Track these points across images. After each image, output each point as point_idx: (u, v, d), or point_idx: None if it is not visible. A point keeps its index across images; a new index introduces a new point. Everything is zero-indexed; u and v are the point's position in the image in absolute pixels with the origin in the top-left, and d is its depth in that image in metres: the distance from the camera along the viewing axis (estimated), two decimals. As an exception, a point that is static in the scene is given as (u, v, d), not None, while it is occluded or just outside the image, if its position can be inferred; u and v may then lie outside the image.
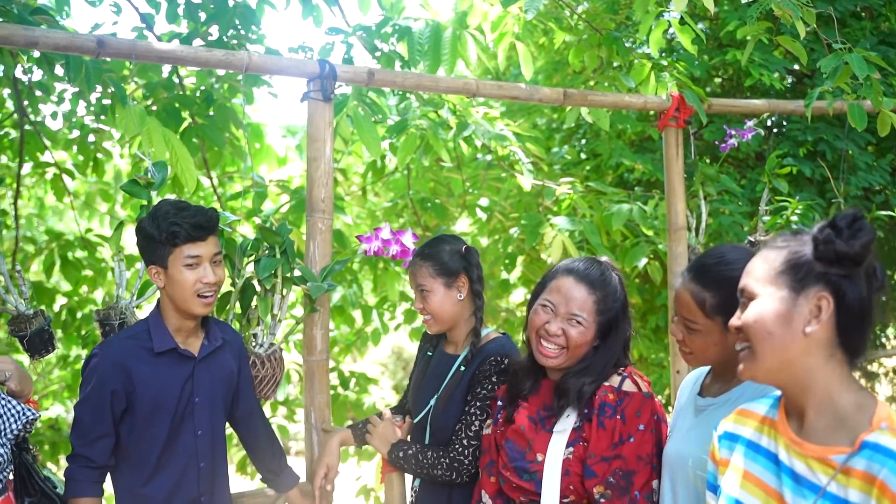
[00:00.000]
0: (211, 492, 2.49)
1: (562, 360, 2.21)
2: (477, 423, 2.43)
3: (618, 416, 2.10)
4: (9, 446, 2.07)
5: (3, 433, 2.06)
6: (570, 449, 2.16)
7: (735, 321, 1.60)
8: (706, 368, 2.16)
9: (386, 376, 12.61)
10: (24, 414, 2.11)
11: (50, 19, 3.03)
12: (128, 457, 2.42)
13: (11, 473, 2.25)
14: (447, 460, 2.43)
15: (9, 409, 2.09)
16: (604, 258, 2.33)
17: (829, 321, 1.50)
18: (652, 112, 5.36)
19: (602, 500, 2.08)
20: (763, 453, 1.61)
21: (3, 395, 2.11)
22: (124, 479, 2.43)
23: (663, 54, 4.87)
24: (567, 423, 2.19)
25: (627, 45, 5.15)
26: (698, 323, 1.99)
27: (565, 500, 2.15)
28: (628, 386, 2.14)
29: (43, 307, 2.75)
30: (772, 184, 3.98)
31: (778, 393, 1.66)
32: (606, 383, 2.16)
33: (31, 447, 2.29)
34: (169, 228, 2.33)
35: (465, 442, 2.43)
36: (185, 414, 2.43)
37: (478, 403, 2.45)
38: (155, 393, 2.39)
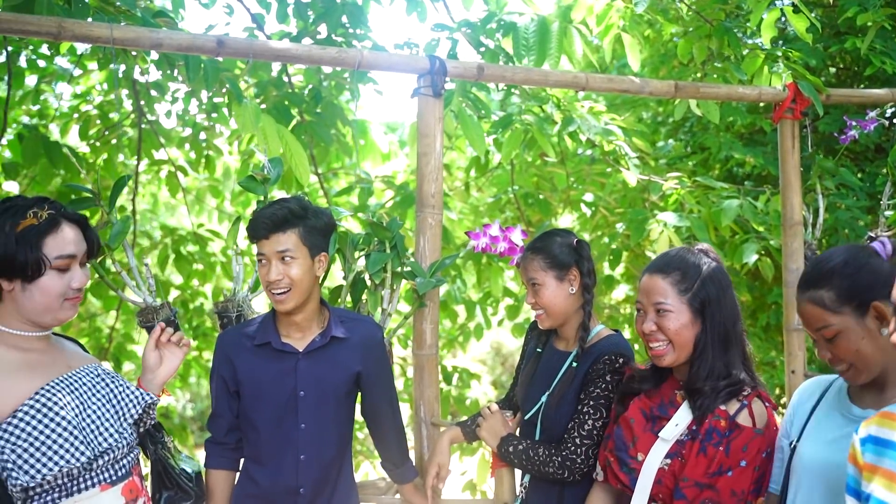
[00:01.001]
0: (313, 484, 2.52)
1: (674, 356, 2.18)
2: (590, 422, 2.40)
3: (722, 448, 2.05)
4: (130, 431, 2.11)
5: (122, 418, 2.10)
6: (668, 461, 2.13)
7: None
8: (829, 378, 2.08)
9: (485, 372, 12.63)
10: (142, 398, 2.15)
11: (170, 21, 3.14)
12: (244, 438, 2.56)
13: (146, 462, 2.33)
14: (559, 458, 2.41)
15: (127, 394, 2.13)
16: (697, 245, 2.29)
17: None
18: (762, 104, 5.22)
19: None
20: None
21: (121, 380, 2.16)
22: (244, 458, 2.58)
23: (777, 44, 4.72)
24: (674, 432, 2.15)
25: (737, 35, 5.00)
26: (833, 325, 1.90)
27: None
28: (743, 418, 2.08)
29: (168, 301, 2.86)
30: (894, 177, 3.81)
31: None
32: (723, 407, 2.10)
33: (164, 439, 2.38)
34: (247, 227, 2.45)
35: (577, 441, 2.40)
36: (289, 407, 2.48)
37: (591, 402, 2.42)
38: (255, 383, 2.48)
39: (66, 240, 1.99)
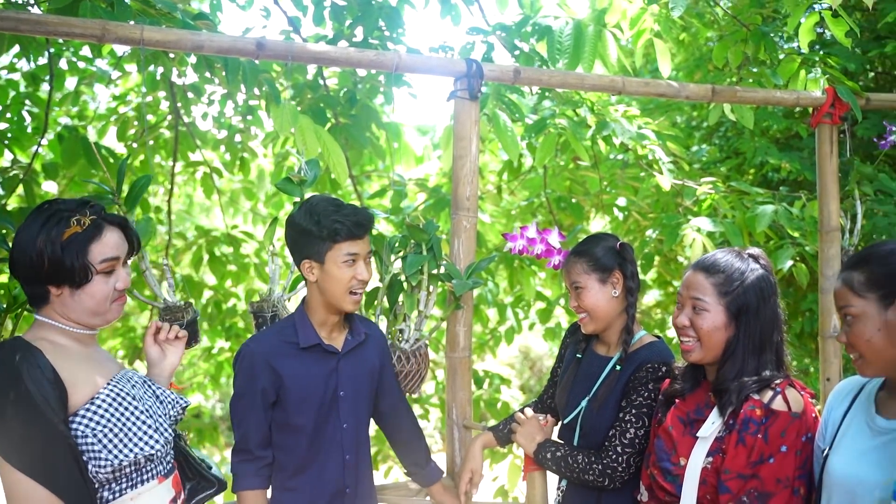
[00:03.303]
0: (355, 485, 2.53)
1: (701, 354, 2.20)
2: (632, 430, 2.40)
3: (760, 435, 2.04)
4: (171, 430, 2.16)
5: (168, 416, 2.16)
6: (710, 459, 2.12)
7: None
8: (863, 379, 2.06)
9: (513, 376, 12.61)
10: (177, 401, 2.22)
11: (210, 24, 3.17)
12: (278, 450, 2.49)
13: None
14: (600, 466, 2.41)
15: (167, 395, 2.20)
16: (749, 249, 2.27)
17: None
18: (798, 108, 5.17)
19: None
20: None
21: (155, 383, 2.21)
22: (276, 473, 2.50)
23: (815, 48, 4.67)
24: (711, 429, 2.14)
25: (774, 39, 4.97)
26: (853, 307, 1.90)
27: None
28: (778, 404, 2.07)
29: (191, 300, 2.87)
30: (934, 183, 3.76)
31: None
32: (756, 397, 2.10)
33: (181, 433, 2.39)
34: (331, 225, 2.38)
35: (619, 449, 2.40)
36: (331, 407, 2.48)
37: (633, 410, 2.41)
38: (301, 386, 2.44)
39: (109, 244, 2.02)
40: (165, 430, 2.10)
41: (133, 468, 1.99)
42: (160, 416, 2.11)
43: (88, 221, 1.99)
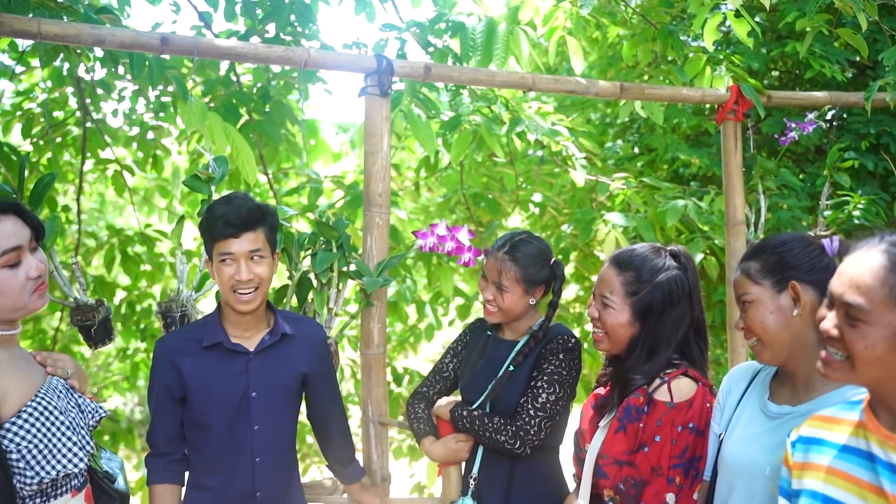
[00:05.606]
0: (269, 487, 2.48)
1: (608, 346, 2.27)
2: (543, 395, 2.46)
3: (640, 424, 2.11)
4: (92, 443, 2.09)
5: (88, 426, 2.09)
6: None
7: (832, 329, 1.55)
8: (757, 365, 2.13)
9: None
10: (97, 411, 2.14)
11: (114, 18, 3.09)
12: (191, 447, 2.49)
13: None
14: (513, 428, 2.45)
15: (87, 403, 2.13)
16: (672, 246, 2.31)
17: None
18: (708, 105, 5.30)
19: None
20: (854, 452, 1.59)
21: (76, 392, 2.13)
22: (191, 470, 2.51)
23: (720, 47, 4.80)
24: (610, 419, 2.21)
25: (682, 38, 5.08)
26: (749, 293, 1.99)
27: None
28: (661, 394, 2.14)
29: (103, 298, 2.80)
30: (833, 178, 3.90)
31: (856, 399, 1.65)
32: (644, 386, 2.16)
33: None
34: (206, 224, 2.37)
35: (531, 412, 2.45)
36: (241, 408, 2.43)
37: (545, 377, 2.48)
38: (206, 386, 2.41)
39: (4, 234, 1.93)
40: (87, 443, 2.03)
41: (50, 483, 1.93)
42: (82, 429, 2.04)
43: None
